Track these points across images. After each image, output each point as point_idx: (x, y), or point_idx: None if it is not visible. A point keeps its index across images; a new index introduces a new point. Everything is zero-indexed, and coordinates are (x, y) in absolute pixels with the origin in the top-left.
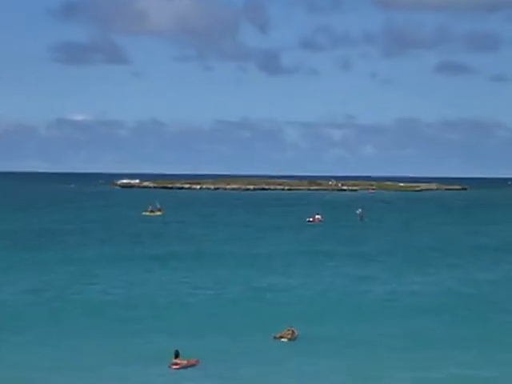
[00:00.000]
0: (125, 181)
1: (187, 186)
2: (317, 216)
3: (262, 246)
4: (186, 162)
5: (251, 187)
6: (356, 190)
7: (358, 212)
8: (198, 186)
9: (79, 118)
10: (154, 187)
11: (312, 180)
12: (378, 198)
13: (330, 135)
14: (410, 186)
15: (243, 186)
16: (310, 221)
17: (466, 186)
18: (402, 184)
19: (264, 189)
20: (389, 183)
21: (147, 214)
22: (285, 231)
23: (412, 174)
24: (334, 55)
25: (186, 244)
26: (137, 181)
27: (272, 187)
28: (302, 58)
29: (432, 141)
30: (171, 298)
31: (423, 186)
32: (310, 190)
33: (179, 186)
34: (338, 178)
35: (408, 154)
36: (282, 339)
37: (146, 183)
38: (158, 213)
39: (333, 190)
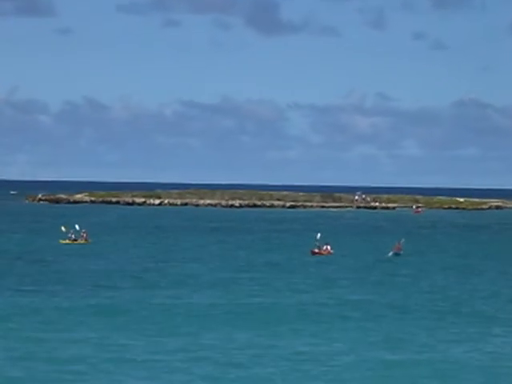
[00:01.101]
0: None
1: (141, 200)
2: (325, 246)
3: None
4: (140, 165)
5: (236, 203)
6: (394, 208)
7: (400, 243)
8: (157, 201)
9: None
10: (92, 202)
11: (327, 193)
12: (425, 220)
13: (354, 125)
14: (475, 203)
15: (224, 202)
16: (315, 252)
17: None
18: (462, 199)
19: (256, 205)
20: (442, 198)
21: (66, 242)
22: (275, 272)
23: (477, 185)
24: (360, 6)
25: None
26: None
27: (267, 203)
28: (312, 10)
29: (508, 135)
30: None
31: (494, 202)
32: (324, 207)
33: (129, 200)
34: (366, 190)
35: (471, 154)
36: None
37: (78, 196)
38: (83, 241)
39: (358, 207)
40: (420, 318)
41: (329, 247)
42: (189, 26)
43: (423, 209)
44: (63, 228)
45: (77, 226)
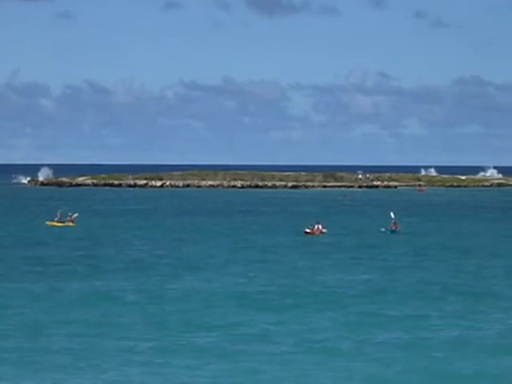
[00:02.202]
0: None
1: (143, 182)
2: (317, 226)
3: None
4: (142, 147)
5: (238, 184)
6: (395, 187)
7: (392, 217)
8: (159, 183)
9: None
10: (94, 185)
11: (329, 172)
12: (427, 199)
13: (355, 104)
14: (477, 181)
15: (226, 183)
16: (307, 232)
17: None
18: (463, 177)
19: (258, 186)
20: (444, 176)
21: (53, 224)
22: (263, 252)
23: (479, 163)
24: None
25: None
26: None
27: (269, 184)
28: None
29: (510, 112)
30: None
31: (496, 179)
32: (326, 187)
33: (131, 182)
34: (368, 169)
35: (473, 131)
36: None
37: (81, 179)
38: (70, 224)
39: (360, 186)
40: (404, 298)
41: (320, 226)
42: (190, 7)
43: (425, 187)
44: (58, 215)
45: (69, 211)
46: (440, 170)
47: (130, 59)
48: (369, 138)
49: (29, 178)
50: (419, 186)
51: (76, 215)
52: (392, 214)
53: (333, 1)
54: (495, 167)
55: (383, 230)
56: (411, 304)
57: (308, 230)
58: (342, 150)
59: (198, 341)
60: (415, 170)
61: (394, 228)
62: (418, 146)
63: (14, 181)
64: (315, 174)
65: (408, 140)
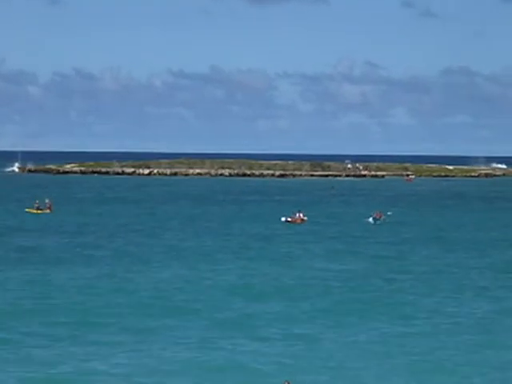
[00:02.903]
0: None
1: (130, 170)
2: (298, 214)
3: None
4: (130, 135)
5: (226, 172)
6: (383, 177)
7: (372, 217)
8: (147, 171)
9: None
10: (82, 172)
11: (317, 161)
12: (414, 189)
13: (343, 93)
14: (465, 171)
15: (213, 171)
16: (287, 221)
17: None
18: (451, 167)
19: (245, 175)
20: (432, 166)
21: (32, 211)
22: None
23: (467, 152)
24: None
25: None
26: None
27: (257, 173)
28: None
29: (496, 101)
30: None
31: (483, 169)
32: (313, 175)
33: (118, 170)
34: (355, 159)
35: (461, 121)
36: None
37: (68, 166)
38: (47, 211)
39: (348, 176)
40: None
41: (301, 215)
42: None
43: (413, 176)
44: (37, 202)
45: (47, 200)
46: (428, 159)
47: (117, 47)
48: (356, 127)
49: (17, 165)
50: (407, 175)
51: (47, 201)
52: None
53: None
54: (487, 158)
55: (369, 220)
56: (387, 292)
57: (289, 219)
58: (330, 138)
59: (180, 325)
60: (401, 159)
61: (377, 217)
62: (406, 135)
63: (9, 169)
64: (303, 162)
65: (396, 130)
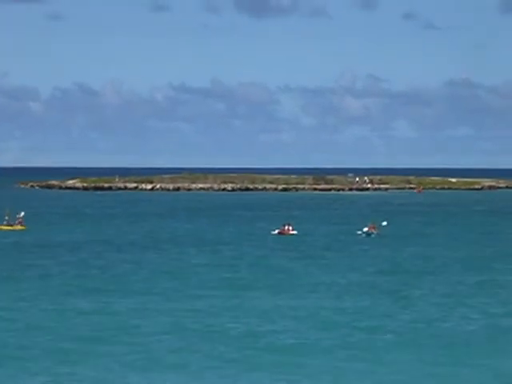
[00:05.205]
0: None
1: (133, 185)
2: (286, 227)
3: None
4: (132, 150)
5: (228, 187)
6: (386, 190)
7: (365, 229)
8: (150, 186)
9: None
10: (84, 188)
11: (319, 175)
12: (414, 202)
13: (345, 107)
14: (468, 183)
15: (216, 186)
16: (279, 232)
17: None
18: (454, 180)
19: (248, 189)
20: (435, 178)
21: (1, 228)
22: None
23: (470, 165)
24: None
25: None
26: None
27: (259, 187)
28: None
29: (498, 113)
30: None
31: (487, 181)
32: (316, 189)
33: (120, 185)
34: (358, 172)
35: (463, 134)
36: None
37: (70, 182)
38: (19, 227)
39: (351, 189)
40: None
41: (291, 228)
42: (179, 10)
43: (424, 190)
44: (6, 218)
45: (22, 213)
46: (430, 172)
47: (119, 62)
48: (359, 140)
49: None
50: (417, 187)
51: (22, 214)
52: (384, 223)
53: (322, 3)
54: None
55: (359, 232)
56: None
57: (279, 231)
58: (332, 152)
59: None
60: (414, 172)
61: (371, 230)
62: (408, 148)
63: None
64: (306, 176)
65: (398, 142)
